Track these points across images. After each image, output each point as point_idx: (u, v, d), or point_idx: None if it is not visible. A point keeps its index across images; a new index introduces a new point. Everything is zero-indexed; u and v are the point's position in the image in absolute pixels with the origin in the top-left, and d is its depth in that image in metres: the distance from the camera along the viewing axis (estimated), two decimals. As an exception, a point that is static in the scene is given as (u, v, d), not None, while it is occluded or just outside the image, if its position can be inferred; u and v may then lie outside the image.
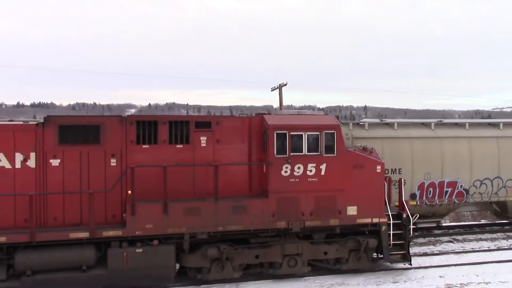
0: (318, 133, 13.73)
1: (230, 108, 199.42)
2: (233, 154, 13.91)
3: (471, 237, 20.09)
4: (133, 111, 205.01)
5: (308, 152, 13.69)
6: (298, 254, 14.04)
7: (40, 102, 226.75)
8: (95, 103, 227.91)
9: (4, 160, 12.59)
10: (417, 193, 18.46)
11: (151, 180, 13.14)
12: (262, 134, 13.90)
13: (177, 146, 13.51)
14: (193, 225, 13.03)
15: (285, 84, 35.26)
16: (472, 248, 18.13)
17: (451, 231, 21.36)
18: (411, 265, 14.95)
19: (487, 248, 18.19)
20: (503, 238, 19.85)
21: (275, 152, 13.47)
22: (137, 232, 12.72)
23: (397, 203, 15.42)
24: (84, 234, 12.49)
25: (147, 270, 12.84)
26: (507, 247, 18.38)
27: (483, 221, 24.71)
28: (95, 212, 12.55)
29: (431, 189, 18.79)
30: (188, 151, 13.60)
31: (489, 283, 13.72)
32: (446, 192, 19.00)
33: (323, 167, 13.78)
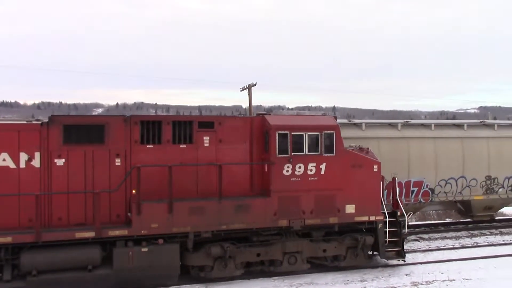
0: (318, 133, 14.05)
1: (199, 108, 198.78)
2: (235, 154, 14.11)
3: (436, 235, 20.51)
4: (100, 110, 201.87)
5: (308, 152, 14.00)
6: (298, 252, 14.33)
7: (3, 101, 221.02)
8: (61, 102, 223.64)
9: (8, 160, 12.50)
10: (385, 193, 18.63)
11: (154, 180, 13.21)
12: (263, 134, 14.13)
13: (181, 146, 13.64)
14: (198, 224, 13.19)
15: (255, 84, 35.28)
16: (437, 247, 18.44)
17: (417, 229, 21.77)
18: (404, 261, 15.44)
19: (451, 246, 18.56)
20: (467, 237, 20.36)
21: (277, 152, 13.73)
22: (142, 232, 12.80)
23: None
24: (90, 234, 12.50)
25: (152, 269, 12.93)
26: (470, 245, 18.84)
27: (448, 220, 25.15)
28: (100, 211, 12.58)
29: (398, 188, 19.14)
30: (192, 151, 13.74)
31: (454, 280, 14.02)
32: (413, 191, 19.41)
33: (323, 166, 14.11)
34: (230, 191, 13.72)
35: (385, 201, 15.47)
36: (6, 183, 12.42)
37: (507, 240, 19.69)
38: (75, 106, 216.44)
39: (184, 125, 13.68)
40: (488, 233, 21.12)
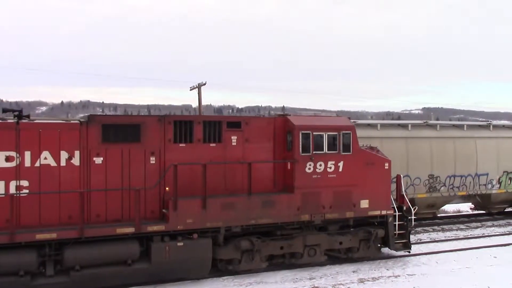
0: (336, 133, 15.02)
1: (148, 107, 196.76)
2: (260, 152, 14.86)
3: (381, 232, 21.24)
4: (44, 109, 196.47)
5: (328, 150, 14.94)
6: (317, 245, 15.26)
7: None
8: (1, 100, 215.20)
9: (49, 158, 12.77)
10: None
11: (184, 177, 13.78)
12: (285, 134, 14.95)
13: (211, 145, 14.27)
14: (229, 219, 13.87)
15: (204, 84, 35.41)
16: (383, 244, 19.00)
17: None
18: (410, 252, 16.64)
19: (396, 243, 19.27)
20: (411, 234, 20.91)
21: (301, 151, 14.59)
22: (178, 227, 13.35)
23: None
24: (130, 230, 12.93)
25: (187, 262, 13.51)
26: (414, 241, 19.48)
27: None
28: (140, 208, 13.04)
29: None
30: (221, 150, 14.40)
31: (399, 276, 14.71)
32: None
33: (341, 164, 15.08)
34: (256, 187, 14.40)
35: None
36: (47, 181, 12.70)
37: (448, 237, 20.59)
38: (17, 104, 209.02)
39: (214, 125, 14.32)
40: (431, 229, 21.95)
